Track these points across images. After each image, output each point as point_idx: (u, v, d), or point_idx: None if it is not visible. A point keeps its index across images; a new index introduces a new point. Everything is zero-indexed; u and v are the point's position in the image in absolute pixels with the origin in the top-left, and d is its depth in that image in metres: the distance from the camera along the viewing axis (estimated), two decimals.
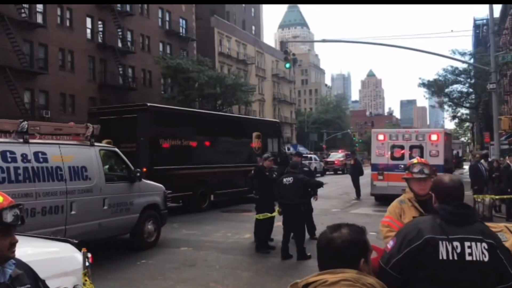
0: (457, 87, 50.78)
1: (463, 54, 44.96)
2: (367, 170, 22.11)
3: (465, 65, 44.01)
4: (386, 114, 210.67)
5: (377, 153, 20.32)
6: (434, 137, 20.03)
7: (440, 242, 2.50)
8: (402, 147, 19.91)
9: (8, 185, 6.97)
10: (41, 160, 7.68)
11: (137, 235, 9.82)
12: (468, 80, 49.00)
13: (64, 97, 34.42)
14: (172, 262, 8.84)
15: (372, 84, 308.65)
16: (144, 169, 11.95)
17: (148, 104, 15.12)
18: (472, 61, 40.08)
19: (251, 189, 11.17)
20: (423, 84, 50.38)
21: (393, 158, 19.58)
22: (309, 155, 41.34)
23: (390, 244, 2.67)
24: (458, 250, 2.49)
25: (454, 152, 46.16)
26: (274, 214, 9.65)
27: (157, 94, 41.78)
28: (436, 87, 49.43)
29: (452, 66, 47.26)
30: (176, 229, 12.32)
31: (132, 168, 9.82)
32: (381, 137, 20.70)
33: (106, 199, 8.89)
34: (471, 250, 2.49)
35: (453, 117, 60.39)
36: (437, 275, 2.47)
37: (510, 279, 2.52)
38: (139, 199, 9.82)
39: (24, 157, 7.43)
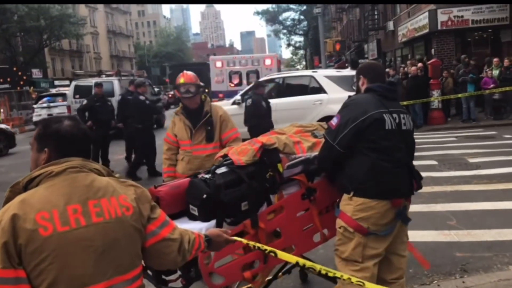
0: (290, 14, 53.25)
1: None
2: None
3: None
4: (227, 45, 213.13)
5: (216, 81, 20.54)
6: (268, 62, 20.85)
7: (384, 115, 2.81)
8: (239, 73, 20.37)
9: None
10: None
11: None
12: (299, 7, 51.53)
13: None
14: None
15: (211, 15, 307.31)
16: (207, 90, 19.86)
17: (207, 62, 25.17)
18: None
19: None
20: (257, 13, 51.73)
21: (232, 84, 20.05)
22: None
23: (334, 121, 2.88)
24: (397, 120, 2.87)
25: None
26: None
27: None
28: (269, 15, 51.19)
29: None
30: None
31: None
32: (219, 64, 20.88)
33: None
34: (405, 121, 2.92)
35: (288, 45, 63.76)
36: (380, 143, 2.80)
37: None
38: None
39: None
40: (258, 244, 2.65)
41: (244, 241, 2.63)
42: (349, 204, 2.86)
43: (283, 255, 2.65)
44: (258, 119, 8.86)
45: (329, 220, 3.19)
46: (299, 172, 3.14)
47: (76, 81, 19.91)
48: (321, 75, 11.29)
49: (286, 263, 3.40)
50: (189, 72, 4.35)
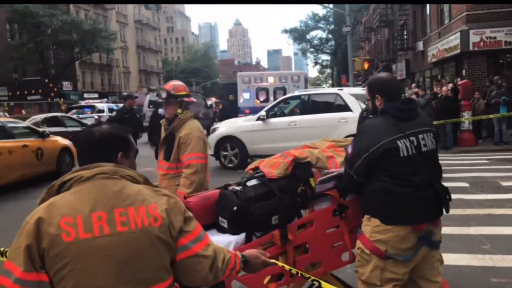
0: (318, 33, 53.47)
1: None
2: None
3: (324, 12, 46.23)
4: (254, 63, 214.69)
5: (243, 97, 20.69)
6: (295, 79, 20.90)
7: (398, 142, 2.62)
8: (266, 90, 20.45)
9: None
10: None
11: None
12: (327, 26, 51.70)
13: None
14: None
15: (239, 33, 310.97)
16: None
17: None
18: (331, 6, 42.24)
19: None
20: (285, 31, 52.09)
21: (259, 100, 20.16)
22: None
23: (349, 149, 2.77)
24: (415, 143, 2.66)
25: None
26: None
27: (2, 42, 37.21)
28: (297, 34, 51.48)
29: (312, 13, 49.64)
30: None
31: None
32: (246, 80, 21.06)
33: None
34: (425, 141, 2.70)
35: (315, 64, 63.85)
36: (395, 170, 2.62)
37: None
38: None
39: None
40: (300, 271, 2.52)
41: (287, 267, 2.50)
42: (367, 225, 2.74)
43: (327, 286, 2.50)
44: None
45: None
46: (331, 187, 3.06)
47: (150, 96, 25.37)
48: (347, 93, 11.21)
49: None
50: (174, 82, 4.16)
